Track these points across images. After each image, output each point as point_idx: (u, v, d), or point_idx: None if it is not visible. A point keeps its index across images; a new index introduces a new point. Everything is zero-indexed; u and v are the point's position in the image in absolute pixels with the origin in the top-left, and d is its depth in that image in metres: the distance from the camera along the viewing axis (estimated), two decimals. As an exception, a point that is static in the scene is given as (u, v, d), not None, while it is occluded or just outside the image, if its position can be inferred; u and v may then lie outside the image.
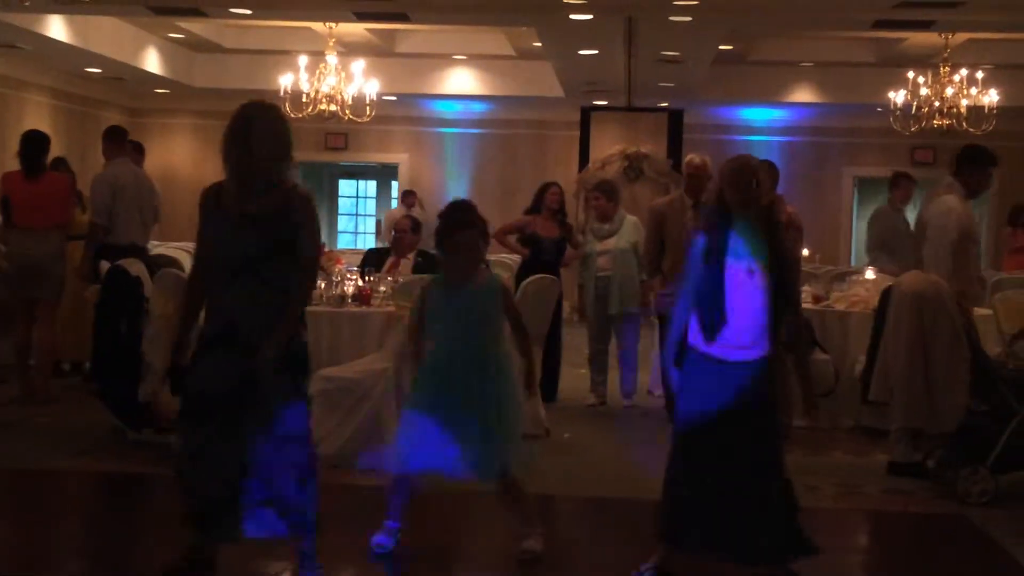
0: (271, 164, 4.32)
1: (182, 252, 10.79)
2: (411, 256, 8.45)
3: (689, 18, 10.35)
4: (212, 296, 4.39)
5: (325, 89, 12.22)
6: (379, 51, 14.61)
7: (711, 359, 4.41)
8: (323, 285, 7.37)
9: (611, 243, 8.69)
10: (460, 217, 4.74)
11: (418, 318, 4.85)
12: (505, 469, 4.73)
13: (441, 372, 4.70)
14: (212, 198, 4.42)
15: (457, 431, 4.62)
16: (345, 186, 21.56)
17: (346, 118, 12.47)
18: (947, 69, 12.39)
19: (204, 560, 4.38)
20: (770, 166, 7.58)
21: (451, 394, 4.65)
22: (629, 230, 8.68)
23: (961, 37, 12.56)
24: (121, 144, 8.73)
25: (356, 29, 13.34)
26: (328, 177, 20.90)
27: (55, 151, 9.05)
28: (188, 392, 4.39)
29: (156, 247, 9.75)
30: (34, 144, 8.36)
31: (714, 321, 4.38)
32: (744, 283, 4.36)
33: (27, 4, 10.48)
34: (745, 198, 4.40)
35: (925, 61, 13.19)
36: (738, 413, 4.37)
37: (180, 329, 4.55)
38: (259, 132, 4.29)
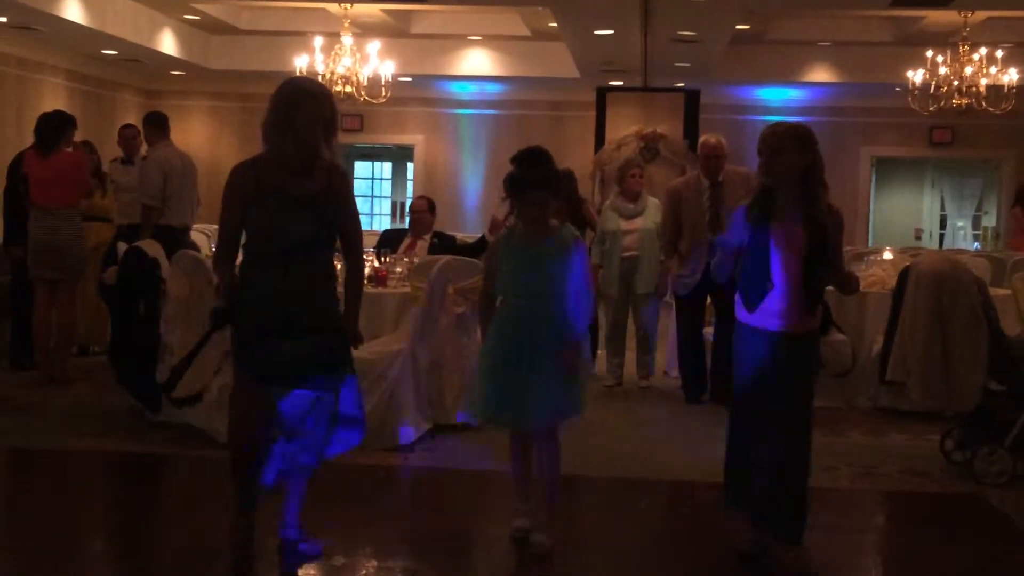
0: (319, 144, 4.25)
1: (199, 234, 10.86)
2: (427, 237, 8.46)
3: (706, -3, 10.31)
4: (261, 282, 4.25)
5: (340, 70, 12.20)
6: (394, 32, 14.58)
7: (753, 330, 4.49)
8: (339, 266, 7.38)
9: (639, 223, 8.59)
10: (531, 175, 4.70)
11: (490, 270, 4.83)
12: (560, 419, 4.74)
13: (512, 323, 4.67)
14: (250, 178, 4.26)
15: (528, 381, 4.60)
16: (360, 167, 21.56)
17: (361, 99, 12.45)
18: (966, 48, 12.29)
19: None
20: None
21: (522, 345, 4.62)
22: (653, 211, 8.62)
23: (980, 15, 12.46)
24: (164, 129, 8.77)
25: (371, 10, 13.31)
26: (343, 159, 20.91)
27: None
28: (261, 370, 4.27)
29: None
30: (44, 122, 8.41)
31: (759, 289, 4.44)
32: (781, 252, 4.41)
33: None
34: (768, 167, 4.46)
35: (944, 40, 13.08)
36: (776, 384, 4.45)
37: (224, 278, 4.31)
38: (307, 112, 4.21)
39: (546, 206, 4.69)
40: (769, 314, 4.46)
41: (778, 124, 4.57)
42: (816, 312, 4.55)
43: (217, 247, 4.43)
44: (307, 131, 4.19)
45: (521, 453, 4.87)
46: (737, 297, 4.58)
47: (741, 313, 4.57)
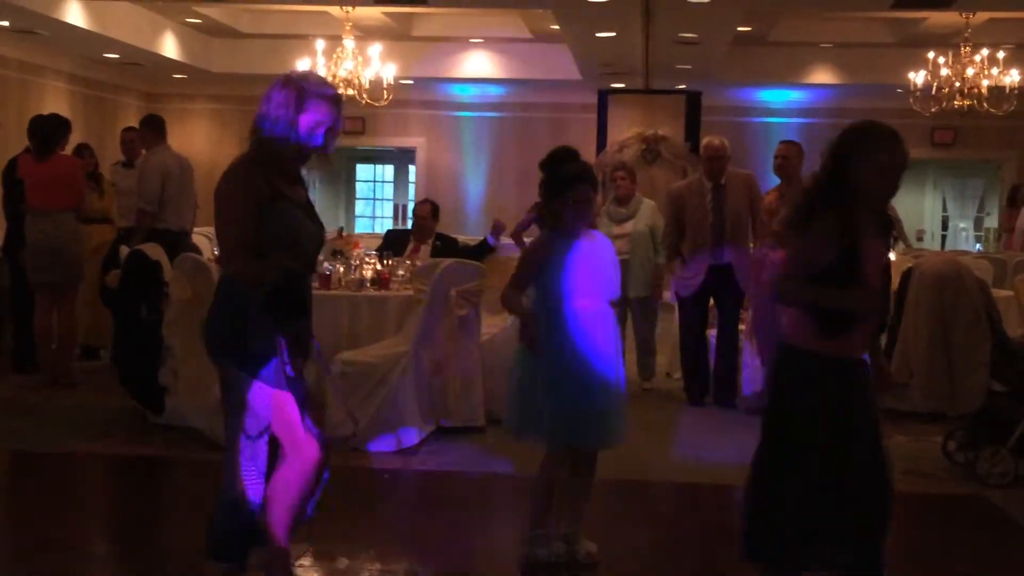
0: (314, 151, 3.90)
1: (201, 237, 10.86)
2: (430, 241, 8.47)
3: (707, -1, 10.30)
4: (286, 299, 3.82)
5: (342, 73, 12.20)
6: (396, 35, 14.59)
7: (835, 362, 3.71)
8: (342, 269, 7.40)
9: (628, 226, 8.60)
10: (575, 170, 4.39)
11: (528, 276, 4.43)
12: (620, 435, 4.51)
13: (564, 328, 4.32)
14: (262, 182, 3.77)
15: (593, 394, 4.35)
16: (362, 170, 21.57)
17: (363, 102, 12.46)
18: (968, 49, 12.28)
19: None
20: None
21: (600, 354, 4.36)
22: (647, 213, 8.62)
23: (982, 16, 12.44)
24: (161, 132, 8.78)
25: (373, 13, 13.32)
26: (345, 161, 20.92)
27: (74, 137, 9.11)
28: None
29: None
30: (40, 126, 8.41)
31: (854, 318, 3.70)
32: (871, 272, 3.73)
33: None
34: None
35: (946, 41, 13.08)
36: (863, 419, 3.78)
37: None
38: (315, 114, 3.82)
39: (591, 201, 4.46)
40: (857, 343, 3.75)
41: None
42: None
43: (240, 247, 3.78)
44: (310, 136, 3.83)
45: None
46: (808, 325, 3.71)
47: (812, 343, 3.71)
